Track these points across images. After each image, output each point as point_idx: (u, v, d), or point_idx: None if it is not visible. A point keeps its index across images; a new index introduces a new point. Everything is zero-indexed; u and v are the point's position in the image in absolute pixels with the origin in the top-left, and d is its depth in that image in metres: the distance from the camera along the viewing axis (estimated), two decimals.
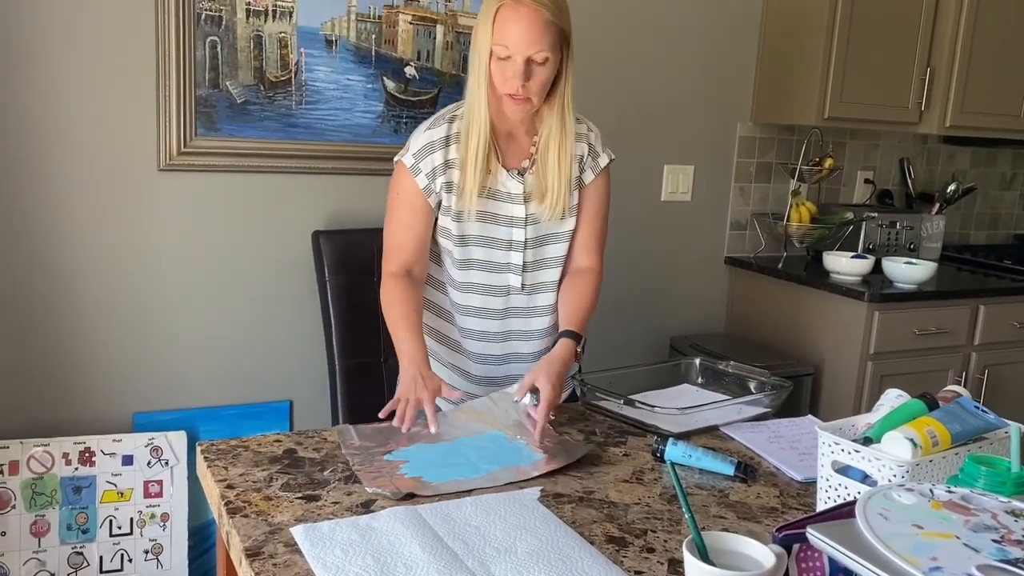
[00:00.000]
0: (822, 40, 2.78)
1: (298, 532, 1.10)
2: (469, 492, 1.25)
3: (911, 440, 1.14)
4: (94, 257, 2.23)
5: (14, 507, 2.11)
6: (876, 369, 2.70)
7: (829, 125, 2.89)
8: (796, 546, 0.95)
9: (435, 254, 1.77)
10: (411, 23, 2.45)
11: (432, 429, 1.44)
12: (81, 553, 2.17)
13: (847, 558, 0.72)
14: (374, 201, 2.43)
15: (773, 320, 2.98)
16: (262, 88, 2.30)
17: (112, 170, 2.21)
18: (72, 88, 2.13)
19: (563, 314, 1.73)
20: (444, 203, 1.67)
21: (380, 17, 2.41)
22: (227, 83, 2.26)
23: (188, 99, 2.22)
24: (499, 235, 1.69)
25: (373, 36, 2.41)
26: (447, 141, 1.66)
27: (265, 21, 2.28)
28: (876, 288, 2.72)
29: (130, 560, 2.20)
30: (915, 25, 2.90)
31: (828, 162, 3.01)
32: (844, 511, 1.01)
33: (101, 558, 2.18)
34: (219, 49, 2.24)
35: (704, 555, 0.91)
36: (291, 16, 2.31)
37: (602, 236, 1.80)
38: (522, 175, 1.69)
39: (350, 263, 2.30)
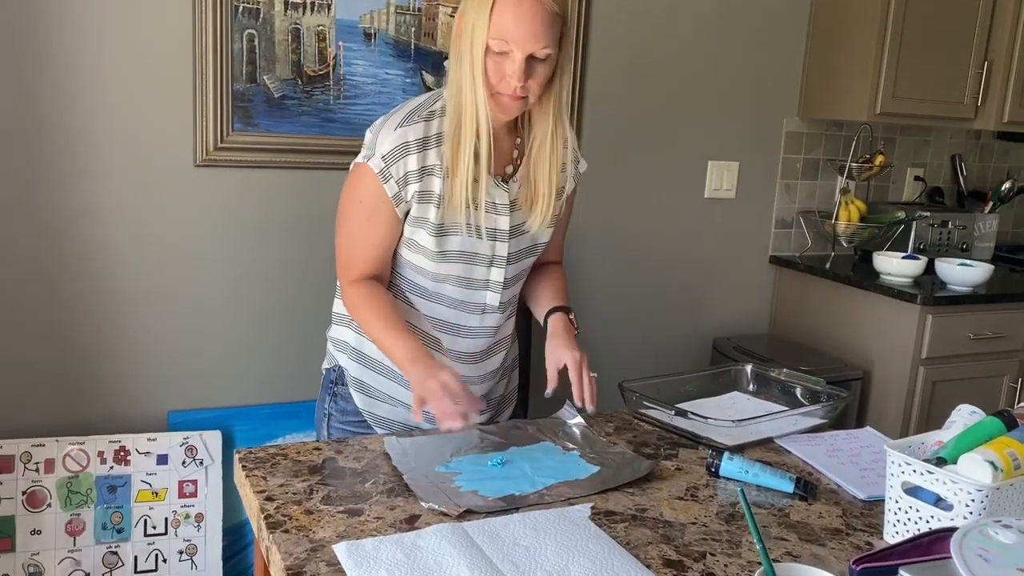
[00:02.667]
0: (875, 32, 2.68)
1: (341, 550, 1.05)
2: (517, 508, 1.20)
3: (991, 463, 1.06)
4: (130, 254, 2.20)
5: (49, 505, 2.10)
6: (928, 375, 2.61)
7: (881, 121, 2.79)
8: None
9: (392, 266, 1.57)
10: (451, 15, 2.40)
11: (472, 419, 1.34)
12: (116, 553, 2.15)
13: None
14: None
15: (819, 322, 2.89)
16: (300, 82, 2.26)
17: (149, 166, 2.18)
18: (109, 83, 2.10)
19: (543, 296, 1.62)
20: (416, 214, 1.46)
21: (420, 10, 2.36)
22: (264, 77, 2.22)
23: (225, 94, 2.18)
24: (482, 250, 1.51)
25: (412, 29, 2.36)
26: (424, 144, 1.43)
27: (303, 14, 2.23)
28: (929, 290, 2.62)
29: (164, 560, 2.18)
30: (972, 17, 2.79)
31: (879, 159, 2.91)
32: (926, 541, 0.94)
33: (136, 558, 2.16)
34: (256, 42, 2.20)
35: None
36: (329, 9, 2.26)
37: (564, 237, 1.73)
38: (506, 182, 1.51)
39: None
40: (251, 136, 2.23)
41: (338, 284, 1.59)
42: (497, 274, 1.54)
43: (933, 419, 2.58)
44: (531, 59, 1.35)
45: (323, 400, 1.68)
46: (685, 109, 2.80)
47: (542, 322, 1.62)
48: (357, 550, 1.05)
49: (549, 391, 1.51)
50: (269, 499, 1.19)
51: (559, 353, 1.50)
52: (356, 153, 2.31)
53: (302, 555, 1.05)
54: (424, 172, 1.44)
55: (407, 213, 1.48)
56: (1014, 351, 2.76)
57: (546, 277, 1.67)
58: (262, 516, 1.15)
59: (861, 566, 0.88)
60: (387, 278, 1.55)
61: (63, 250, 2.14)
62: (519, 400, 1.81)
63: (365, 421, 1.63)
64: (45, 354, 2.16)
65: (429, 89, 2.39)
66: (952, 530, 0.90)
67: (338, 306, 1.64)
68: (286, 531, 1.11)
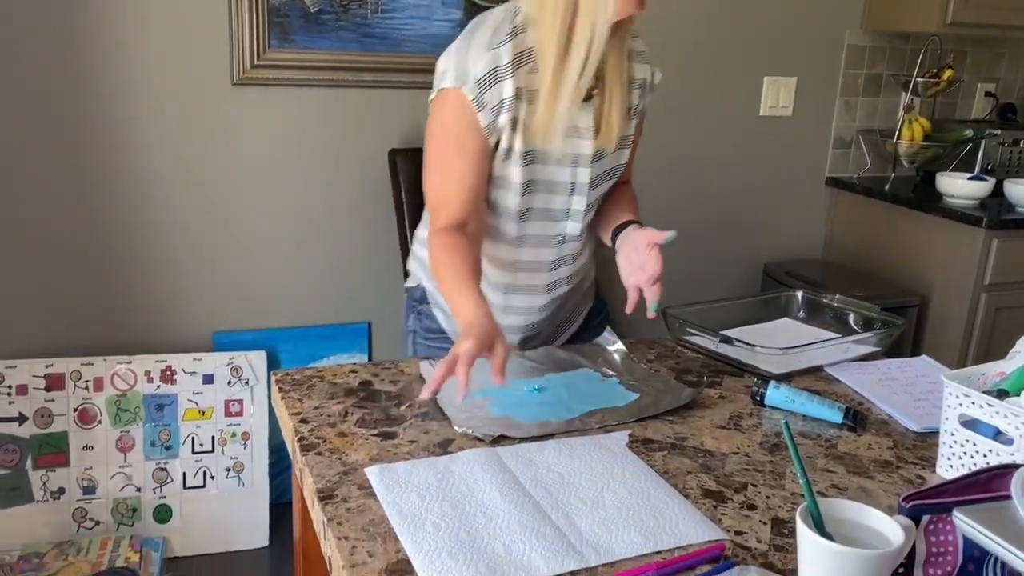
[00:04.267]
0: None
1: (373, 473, 1.04)
2: (552, 435, 1.17)
3: None
4: (172, 177, 2.19)
5: (100, 422, 2.15)
6: (991, 301, 2.50)
7: (951, 32, 2.62)
8: (926, 518, 0.84)
9: None
10: None
11: (423, 396, 1.16)
12: (165, 469, 2.20)
13: (1011, 555, 0.61)
14: None
15: (877, 247, 2.78)
16: None
17: (186, 86, 2.14)
18: (143, 2, 2.06)
19: (619, 213, 1.48)
20: (504, 144, 1.36)
21: None
22: None
23: (261, 9, 2.12)
24: (563, 177, 1.42)
25: None
26: (517, 63, 1.30)
27: None
28: (996, 213, 2.49)
29: (212, 477, 2.23)
30: None
31: (947, 73, 2.74)
32: (984, 478, 0.88)
33: (184, 474, 2.21)
34: None
35: (820, 526, 0.81)
36: None
37: (634, 157, 1.59)
38: (588, 101, 1.39)
39: None
40: (288, 53, 2.18)
41: (425, 210, 1.50)
42: (578, 202, 1.45)
43: (994, 349, 2.49)
44: None
45: (407, 318, 1.66)
46: (739, 21, 2.66)
47: (610, 241, 1.49)
48: (389, 473, 1.04)
49: (631, 309, 1.41)
50: (304, 421, 1.18)
51: (647, 267, 1.35)
52: (394, 70, 2.27)
53: (334, 478, 1.04)
54: (518, 97, 1.32)
55: (496, 145, 1.36)
56: None
57: (616, 198, 1.54)
58: (296, 438, 1.14)
59: (912, 503, 0.83)
60: (479, 230, 1.43)
61: (103, 174, 2.13)
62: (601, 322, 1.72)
63: (449, 338, 1.59)
64: (92, 275, 2.18)
65: (470, 1, 2.30)
66: (1013, 466, 0.85)
67: (421, 230, 1.59)
68: (319, 453, 1.10)
